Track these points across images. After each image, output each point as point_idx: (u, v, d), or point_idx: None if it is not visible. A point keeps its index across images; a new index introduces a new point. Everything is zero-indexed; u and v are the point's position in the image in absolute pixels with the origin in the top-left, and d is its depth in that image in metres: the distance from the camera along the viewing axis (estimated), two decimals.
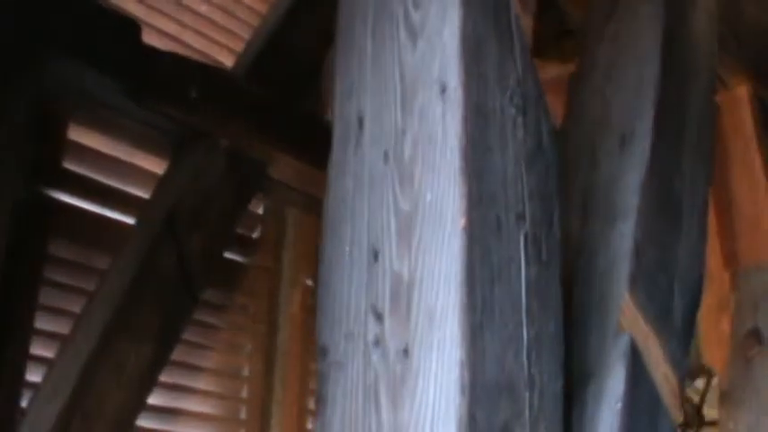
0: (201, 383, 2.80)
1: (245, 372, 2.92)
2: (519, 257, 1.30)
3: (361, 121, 1.35)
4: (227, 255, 2.81)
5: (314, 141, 2.78)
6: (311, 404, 2.96)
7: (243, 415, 2.89)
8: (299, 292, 3.00)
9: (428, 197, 1.24)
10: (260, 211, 3.00)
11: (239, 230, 2.87)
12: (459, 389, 1.16)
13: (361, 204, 1.31)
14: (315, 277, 3.01)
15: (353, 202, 1.32)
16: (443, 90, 1.27)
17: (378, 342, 1.24)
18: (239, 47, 2.91)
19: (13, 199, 2.33)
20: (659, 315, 1.64)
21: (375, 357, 1.24)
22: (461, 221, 1.21)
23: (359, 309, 1.27)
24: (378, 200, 1.29)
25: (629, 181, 1.69)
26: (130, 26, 2.50)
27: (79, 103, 2.56)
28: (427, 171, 1.26)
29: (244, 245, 2.92)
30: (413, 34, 1.34)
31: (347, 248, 1.30)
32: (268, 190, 2.91)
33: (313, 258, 3.02)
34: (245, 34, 2.95)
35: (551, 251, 1.37)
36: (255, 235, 2.99)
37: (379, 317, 1.24)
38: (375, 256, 1.26)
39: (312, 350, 2.93)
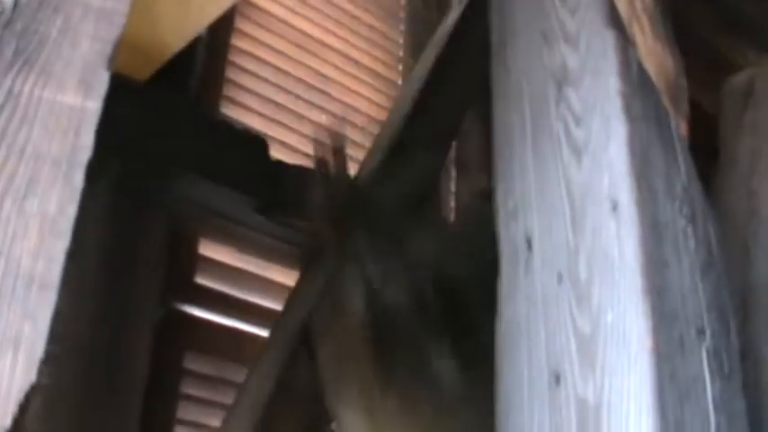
0: None
1: None
2: (703, 374, 1.26)
3: (529, 242, 1.33)
4: None
5: None
6: None
7: None
8: None
9: (609, 317, 1.21)
10: None
11: None
12: None
13: (537, 327, 1.28)
14: None
15: (528, 325, 1.29)
16: (615, 207, 1.25)
17: None
18: (360, 155, 2.94)
19: (153, 316, 2.37)
20: None
21: None
22: (648, 341, 1.17)
23: None
24: (554, 322, 1.26)
25: None
26: (258, 142, 2.55)
27: (209, 219, 2.60)
28: (606, 290, 1.23)
29: None
30: (577, 151, 1.33)
31: (525, 373, 1.27)
32: None
33: None
34: (366, 143, 2.97)
35: (732, 363, 1.32)
36: None
37: None
38: (557, 379, 1.23)
39: None
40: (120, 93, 1.30)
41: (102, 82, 0.85)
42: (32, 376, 0.74)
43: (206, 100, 2.74)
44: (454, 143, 3.05)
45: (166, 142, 2.36)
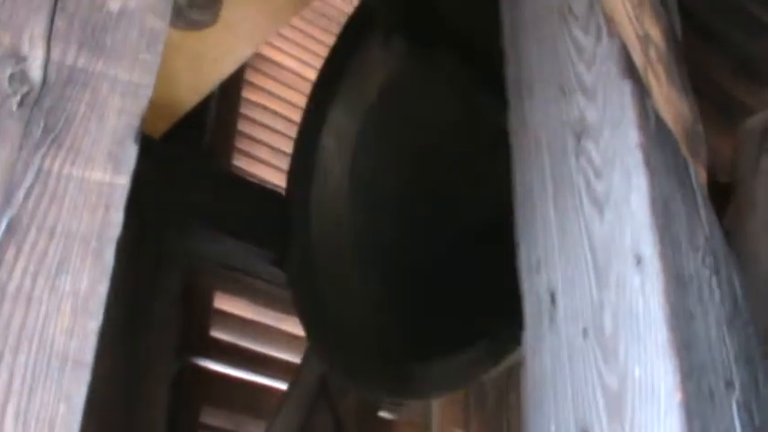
0: None
1: None
2: (734, 427, 1.24)
3: (553, 297, 1.32)
4: (380, 413, 2.78)
5: None
6: None
7: None
8: None
9: (636, 372, 1.20)
10: None
11: None
12: None
13: (564, 381, 1.27)
14: (465, 426, 2.97)
15: (555, 380, 1.28)
16: (639, 261, 1.24)
17: None
18: None
19: (169, 371, 2.37)
20: None
21: None
22: (677, 396, 1.16)
23: None
24: (581, 376, 1.25)
25: None
26: (273, 196, 2.56)
27: (225, 272, 2.61)
28: (632, 345, 1.22)
29: (394, 402, 2.89)
30: (598, 204, 1.32)
31: (552, 428, 1.26)
32: None
33: (460, 409, 2.97)
34: None
35: (763, 414, 1.31)
36: None
37: None
38: None
39: None
40: None
41: (130, 156, 0.85)
42: None
43: (219, 153, 2.76)
44: None
45: (181, 198, 2.37)
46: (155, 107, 2.23)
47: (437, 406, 2.97)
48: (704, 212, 1.39)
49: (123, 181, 0.84)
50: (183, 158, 2.45)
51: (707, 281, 1.31)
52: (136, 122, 0.86)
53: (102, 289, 0.79)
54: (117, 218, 0.81)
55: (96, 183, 0.81)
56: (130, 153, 0.85)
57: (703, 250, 1.33)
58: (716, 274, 1.34)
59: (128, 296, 2.30)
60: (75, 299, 0.76)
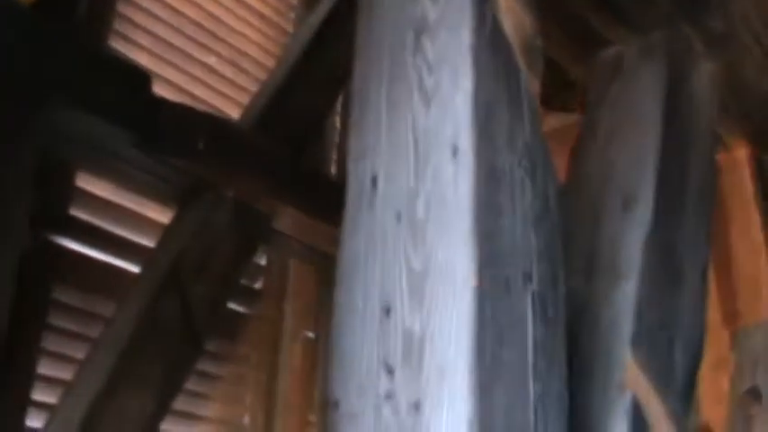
0: None
1: (246, 422, 2.93)
2: (527, 316, 1.34)
3: (374, 181, 1.39)
4: (231, 305, 2.83)
5: (317, 194, 2.83)
6: None
7: None
8: (300, 343, 3.02)
9: (440, 256, 1.28)
10: (263, 262, 3.02)
11: (242, 281, 2.89)
12: None
13: (374, 262, 1.34)
14: (316, 329, 3.05)
15: (366, 260, 1.35)
16: (455, 152, 1.31)
17: (389, 396, 1.27)
18: (246, 100, 2.96)
19: (20, 245, 2.36)
20: (661, 372, 1.68)
21: (386, 411, 1.26)
22: (472, 281, 1.24)
23: (371, 363, 1.30)
24: (390, 258, 1.33)
25: (631, 241, 1.73)
26: (140, 77, 2.54)
27: (87, 152, 2.59)
28: (439, 231, 1.29)
29: (247, 295, 2.95)
30: (426, 98, 1.38)
31: (360, 304, 1.34)
32: (271, 241, 2.94)
33: (314, 310, 3.05)
34: (252, 87, 2.99)
35: (557, 310, 1.41)
36: (258, 286, 3.01)
37: (390, 371, 1.27)
38: (387, 312, 1.30)
39: (312, 402, 2.95)
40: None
41: None
42: None
43: (93, 32, 2.72)
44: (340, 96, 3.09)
45: (42, 68, 2.33)
46: None
47: (290, 305, 3.04)
48: (529, 121, 1.46)
49: None
50: (51, 29, 2.40)
51: (519, 181, 1.39)
52: None
53: None
54: None
55: None
56: None
57: (521, 153, 1.41)
58: (530, 177, 1.42)
59: None
60: None
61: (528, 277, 1.35)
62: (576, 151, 2.05)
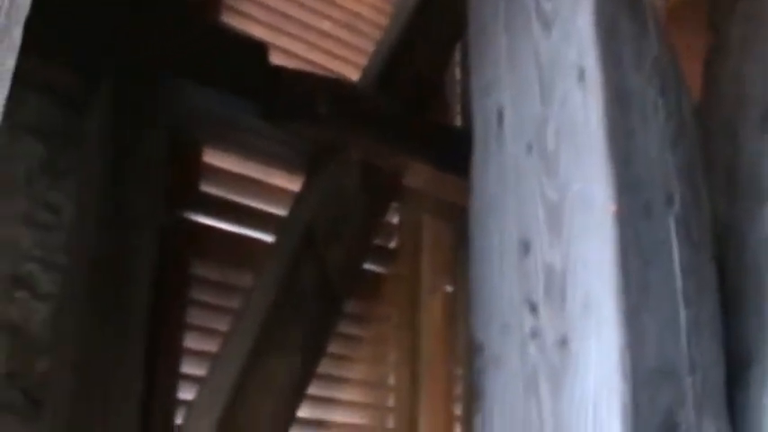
0: (348, 395, 2.83)
1: (391, 381, 2.93)
2: (670, 240, 1.28)
3: (501, 116, 1.35)
4: (367, 266, 2.82)
5: (445, 147, 2.79)
6: (458, 410, 2.96)
7: (391, 424, 2.90)
8: (439, 298, 3.00)
9: (575, 186, 1.23)
10: (396, 220, 3.01)
11: (377, 241, 2.88)
12: (621, 375, 1.14)
13: (508, 197, 1.31)
14: (454, 283, 3.03)
15: (500, 196, 1.32)
16: (581, 75, 1.26)
17: (534, 334, 1.23)
18: (364, 61, 2.94)
19: (157, 225, 2.40)
20: None
21: (532, 349, 1.23)
22: (611, 208, 1.19)
23: (513, 302, 1.26)
24: (524, 192, 1.29)
25: None
26: (258, 48, 2.56)
27: (213, 127, 2.62)
28: (572, 159, 1.25)
29: (382, 255, 2.94)
30: (546, 24, 1.33)
31: (497, 243, 1.30)
32: (403, 199, 2.92)
33: (451, 264, 3.02)
34: (369, 48, 2.97)
35: (702, 232, 1.34)
36: (393, 245, 3.00)
37: (534, 308, 1.23)
38: (526, 247, 1.26)
39: (456, 355, 2.93)
40: None
41: None
42: None
43: (206, 8, 2.74)
44: (458, 45, 3.04)
45: (162, 49, 2.37)
46: None
47: (426, 262, 3.02)
48: (655, 36, 1.40)
49: None
50: (166, 8, 2.43)
51: (651, 100, 1.33)
52: None
53: (10, 63, 0.81)
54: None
55: None
56: None
57: (650, 70, 1.34)
58: (662, 94, 1.35)
59: (114, 151, 2.32)
60: None
61: (669, 200, 1.29)
62: (708, 68, 1.96)
